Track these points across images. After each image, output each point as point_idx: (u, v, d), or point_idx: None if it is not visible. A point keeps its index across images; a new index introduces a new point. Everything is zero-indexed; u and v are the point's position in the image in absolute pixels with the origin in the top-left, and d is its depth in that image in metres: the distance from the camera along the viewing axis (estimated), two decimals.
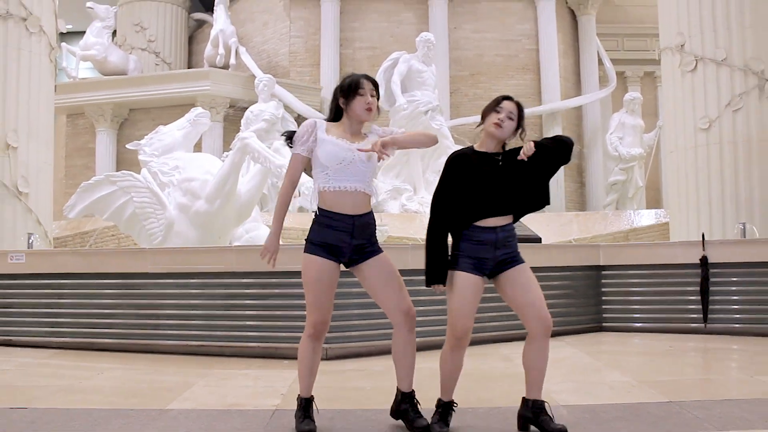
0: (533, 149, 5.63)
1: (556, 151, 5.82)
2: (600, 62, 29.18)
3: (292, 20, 26.97)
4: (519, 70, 26.87)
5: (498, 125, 5.78)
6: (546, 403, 5.85)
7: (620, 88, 29.84)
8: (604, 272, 12.56)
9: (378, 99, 5.98)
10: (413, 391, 5.88)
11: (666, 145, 15.27)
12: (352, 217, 5.73)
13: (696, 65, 14.42)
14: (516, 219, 5.98)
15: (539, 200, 5.96)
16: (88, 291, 10.88)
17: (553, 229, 19.14)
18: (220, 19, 26.94)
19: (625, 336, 11.76)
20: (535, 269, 10.97)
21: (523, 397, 5.94)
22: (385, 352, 9.53)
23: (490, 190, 5.72)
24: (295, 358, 9.05)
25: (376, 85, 6.01)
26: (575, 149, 21.46)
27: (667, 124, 15.39)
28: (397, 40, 26.03)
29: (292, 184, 5.98)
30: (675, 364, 9.18)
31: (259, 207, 14.86)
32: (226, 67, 26.57)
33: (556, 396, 6.85)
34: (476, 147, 5.98)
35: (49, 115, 15.32)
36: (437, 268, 5.82)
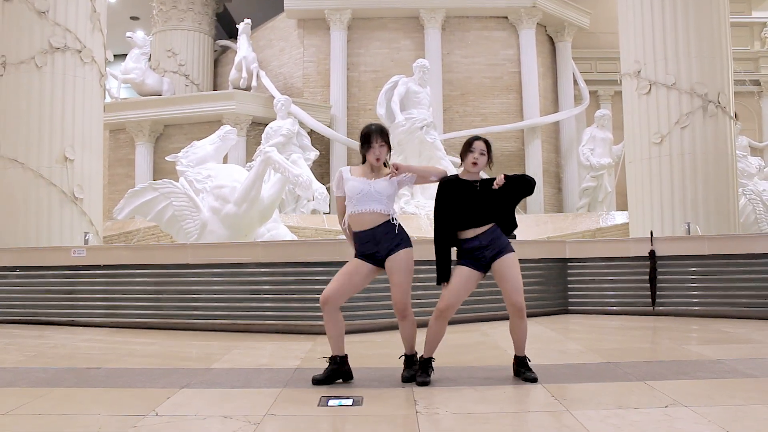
0: (503, 181, 6.63)
1: (521, 184, 6.74)
2: (575, 83, 29.33)
3: (306, 47, 27.24)
4: (503, 90, 27.05)
5: (474, 164, 6.76)
6: (526, 358, 6.90)
7: (593, 105, 29.96)
8: (569, 264, 13.21)
9: (387, 145, 6.69)
10: (415, 353, 6.91)
11: (627, 157, 15.75)
12: (372, 230, 6.60)
13: (650, 89, 14.94)
14: (507, 221, 6.90)
15: (508, 226, 6.90)
16: (138, 279, 11.53)
17: (532, 228, 19.62)
18: (243, 46, 27.19)
19: (586, 317, 12.39)
20: None
21: (515, 355, 6.97)
22: (384, 328, 10.39)
23: (470, 208, 6.69)
24: (311, 333, 9.91)
25: (384, 134, 6.71)
26: (553, 159, 21.84)
27: (627, 138, 15.77)
28: (397, 64, 26.31)
29: (341, 214, 6.87)
30: (621, 337, 9.88)
31: (278, 210, 15.20)
32: (248, 88, 26.81)
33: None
34: (460, 175, 6.87)
35: (99, 132, 15.71)
36: (443, 270, 6.77)
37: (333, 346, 6.68)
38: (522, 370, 6.84)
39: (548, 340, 9.62)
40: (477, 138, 6.89)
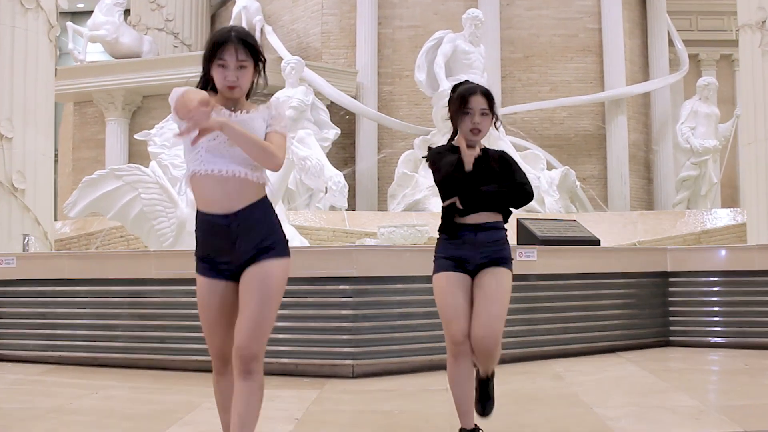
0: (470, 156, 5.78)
1: (515, 189, 5.95)
2: (670, 43, 28.92)
3: None
4: (579, 51, 26.67)
5: (476, 131, 5.84)
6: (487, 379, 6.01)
7: (693, 72, 29.79)
8: (671, 279, 12.43)
9: (254, 63, 4.96)
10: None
11: (743, 137, 15.13)
12: (228, 216, 4.86)
13: None
14: (505, 219, 6.01)
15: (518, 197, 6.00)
16: (86, 299, 10.90)
17: (616, 229, 19.19)
18: None
19: (695, 352, 11.62)
20: (592, 276, 10.96)
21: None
22: (420, 369, 9.50)
23: (468, 187, 5.77)
24: (318, 375, 9.09)
25: (248, 43, 4.93)
26: (642, 141, 21.33)
27: (745, 112, 15.28)
28: (442, 17, 25.93)
29: None
30: (751, 385, 9.02)
31: (283, 204, 14.80)
32: None
33: (613, 424, 6.64)
34: (454, 143, 6.04)
35: (49, 102, 15.39)
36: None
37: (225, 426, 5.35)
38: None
39: (646, 389, 8.69)
40: (472, 91, 5.94)
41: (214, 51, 4.92)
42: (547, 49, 26.58)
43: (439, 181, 5.93)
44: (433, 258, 5.97)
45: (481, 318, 5.64)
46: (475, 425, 5.82)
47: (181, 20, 30.21)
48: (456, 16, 24.46)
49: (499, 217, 5.91)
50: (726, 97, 26.93)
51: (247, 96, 5.07)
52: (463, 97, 5.80)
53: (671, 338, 12.26)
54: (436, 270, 5.89)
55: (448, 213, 5.86)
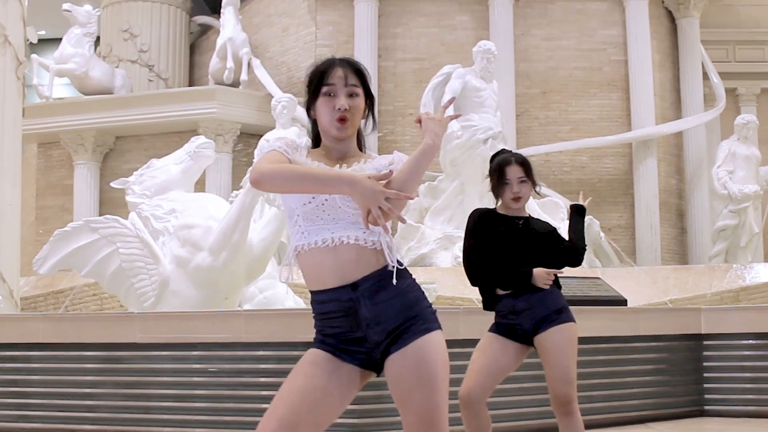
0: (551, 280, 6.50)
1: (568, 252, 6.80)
2: (705, 76, 29.02)
3: (319, 25, 27.26)
4: (603, 86, 26.85)
5: (517, 199, 6.53)
6: None
7: (731, 109, 29.79)
8: (706, 342, 12.69)
9: (366, 97, 4.70)
10: None
11: None
12: (347, 288, 4.46)
13: None
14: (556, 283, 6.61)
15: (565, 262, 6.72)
16: (62, 365, 11.04)
17: (645, 287, 19.28)
18: (228, 24, 27.11)
19: (733, 423, 11.85)
20: (619, 339, 11.27)
21: None
22: None
23: (508, 253, 6.43)
24: None
25: (357, 70, 4.67)
26: (675, 186, 21.56)
27: None
28: (449, 49, 26.22)
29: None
30: None
31: (275, 260, 15.06)
32: (236, 84, 26.80)
33: None
34: (497, 209, 6.75)
35: (16, 145, 15.55)
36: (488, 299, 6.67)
37: None
38: None
39: None
40: (508, 161, 6.60)
41: (318, 80, 4.61)
42: (567, 84, 26.78)
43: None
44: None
45: (552, 379, 6.51)
46: None
47: (157, 51, 30.53)
48: (465, 48, 24.69)
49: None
50: (767, 137, 27.08)
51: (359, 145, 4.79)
52: (500, 168, 6.40)
53: (706, 407, 12.49)
54: (491, 328, 6.63)
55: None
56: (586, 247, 6.90)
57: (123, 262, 13.32)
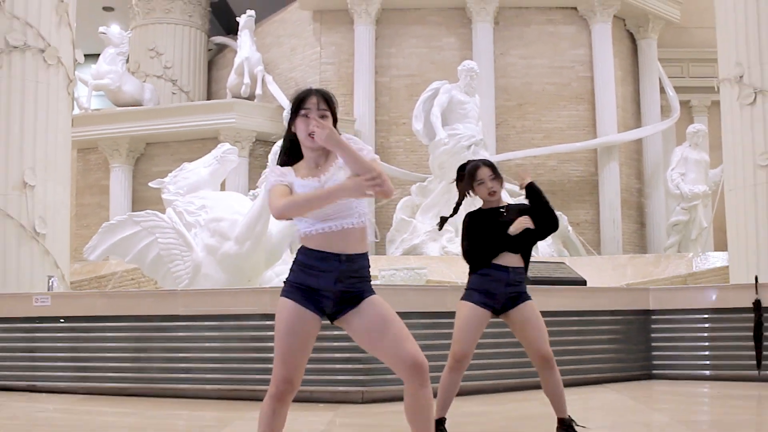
0: (523, 227, 7.09)
1: (545, 213, 7.29)
2: (662, 90, 29.45)
3: (323, 46, 27.60)
4: (572, 99, 27.20)
5: (492, 193, 7.21)
6: (570, 419, 7.18)
7: (685, 118, 29.97)
8: (653, 317, 13.18)
9: (334, 117, 5.29)
10: None
11: (726, 183, 15.71)
12: (341, 257, 5.19)
13: (755, 98, 14.89)
14: (526, 262, 7.32)
15: (546, 228, 7.32)
16: (116, 334, 11.64)
17: (607, 272, 19.82)
18: (245, 45, 27.52)
19: (675, 384, 12.39)
20: (579, 313, 11.98)
21: (557, 417, 7.26)
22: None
23: (501, 235, 7.10)
24: (331, 401, 10.10)
25: (328, 99, 5.28)
26: (635, 187, 22.08)
27: (727, 160, 15.76)
28: (438, 67, 26.53)
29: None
30: (718, 408, 10.08)
31: (289, 249, 15.20)
32: (251, 97, 27.14)
33: None
34: (482, 207, 7.35)
35: (66, 152, 15.95)
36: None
37: None
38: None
39: (627, 410, 9.79)
40: (477, 166, 7.30)
41: (297, 105, 5.25)
42: (541, 97, 27.05)
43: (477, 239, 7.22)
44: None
45: (536, 341, 7.14)
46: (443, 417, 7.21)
47: (179, 67, 30.88)
48: (451, 65, 25.15)
49: (521, 263, 7.28)
50: (716, 142, 26.93)
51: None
52: (472, 171, 7.20)
53: (654, 371, 13.02)
54: (466, 298, 7.22)
55: (488, 256, 7.20)
56: (555, 216, 7.37)
57: (161, 250, 13.93)
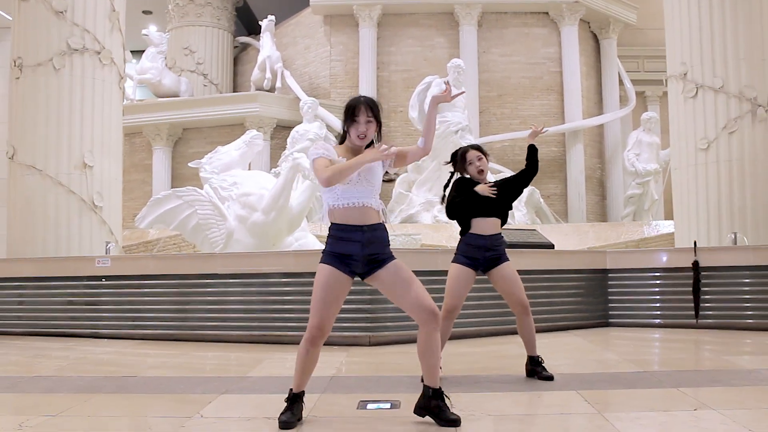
0: (488, 191, 7.59)
1: (528, 165, 7.91)
2: (621, 83, 29.64)
3: (333, 45, 27.76)
4: (544, 91, 27.43)
5: (482, 172, 7.69)
6: (540, 357, 7.77)
7: (640, 106, 30.35)
8: (610, 275, 13.61)
9: (378, 123, 5.99)
10: (440, 387, 5.88)
11: (673, 163, 16.00)
12: (362, 228, 5.82)
13: (697, 92, 15.28)
14: (503, 224, 7.82)
15: (507, 208, 7.87)
16: (165, 290, 12.07)
17: (572, 238, 20.13)
18: (266, 45, 27.66)
19: (627, 330, 12.81)
20: (548, 272, 12.42)
21: (527, 355, 7.80)
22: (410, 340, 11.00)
23: (484, 204, 7.60)
24: (343, 344, 10.51)
25: (375, 109, 5.97)
26: (597, 165, 22.31)
27: (673, 144, 16.08)
28: (430, 63, 26.74)
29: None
30: (660, 349, 10.49)
31: (306, 218, 15.70)
32: (272, 89, 27.31)
33: (557, 368, 8.22)
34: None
35: (119, 136, 16.24)
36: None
37: (299, 383, 6.07)
38: (538, 369, 7.76)
39: (585, 350, 10.23)
40: (465, 150, 7.85)
41: (350, 113, 5.94)
42: (517, 89, 27.26)
43: (459, 203, 7.67)
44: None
45: (515, 293, 7.74)
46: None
47: (210, 63, 31.01)
48: (442, 62, 25.45)
49: (499, 231, 7.77)
50: (667, 127, 26.77)
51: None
52: (462, 155, 7.71)
53: (610, 320, 13.50)
54: (455, 260, 7.73)
55: (468, 225, 7.71)
56: (538, 164, 7.98)
57: (200, 219, 14.30)
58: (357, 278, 5.97)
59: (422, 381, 5.96)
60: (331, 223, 5.93)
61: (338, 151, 5.96)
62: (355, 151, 5.97)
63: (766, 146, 14.97)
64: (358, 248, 5.83)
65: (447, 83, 6.31)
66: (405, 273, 5.90)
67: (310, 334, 5.87)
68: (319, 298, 5.84)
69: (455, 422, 5.71)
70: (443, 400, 5.82)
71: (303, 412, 6.02)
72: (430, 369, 5.87)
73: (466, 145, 8.09)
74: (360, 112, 5.90)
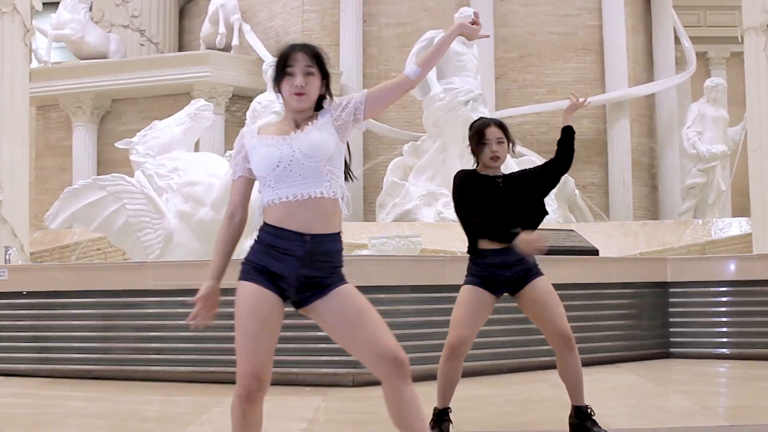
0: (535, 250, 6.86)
1: (561, 153, 7.34)
2: (677, 41, 29.28)
3: None
4: (578, 50, 27.11)
5: (495, 158, 7.06)
6: (589, 408, 7.14)
7: (701, 72, 30.01)
8: (671, 290, 13.16)
9: (323, 75, 5.26)
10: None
11: (750, 143, 15.71)
12: (304, 237, 5.03)
13: None
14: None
15: (537, 215, 7.25)
16: (81, 311, 11.59)
17: (617, 240, 19.75)
18: None
19: (696, 363, 12.40)
20: (591, 286, 11.91)
21: (572, 405, 7.22)
22: (417, 378, 10.51)
23: (492, 211, 7.00)
24: (319, 384, 10.05)
25: (318, 57, 5.24)
26: (647, 146, 21.93)
27: (751, 117, 15.84)
28: (431, 14, 26.37)
29: (231, 216, 5.41)
30: (746, 389, 10.05)
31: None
32: (227, 48, 27.07)
33: (608, 420, 7.72)
34: (478, 170, 7.23)
35: (24, 108, 15.98)
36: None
37: None
38: (587, 425, 7.12)
39: (644, 393, 9.77)
40: (487, 124, 7.19)
41: (281, 64, 5.18)
42: (544, 48, 26.96)
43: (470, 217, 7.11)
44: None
45: (554, 321, 7.06)
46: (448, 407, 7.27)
47: (148, 16, 30.71)
48: (446, 13, 24.91)
49: None
50: (737, 98, 26.60)
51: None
52: (479, 131, 7.05)
53: (671, 350, 13.05)
54: (465, 282, 7.15)
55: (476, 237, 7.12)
56: (574, 151, 7.41)
57: (129, 217, 13.93)
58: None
59: None
60: (263, 223, 5.14)
61: (268, 129, 5.30)
62: (292, 120, 5.21)
63: None
64: (292, 266, 5.03)
65: (476, 13, 5.65)
66: (356, 304, 5.07)
67: (242, 388, 5.00)
68: (242, 333, 5.08)
69: None
70: None
71: None
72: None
73: (487, 118, 7.45)
74: (295, 61, 5.13)
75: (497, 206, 7.00)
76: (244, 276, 5.09)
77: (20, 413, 8.98)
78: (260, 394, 5.01)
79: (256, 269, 5.07)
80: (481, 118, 7.37)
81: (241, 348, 5.05)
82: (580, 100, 7.54)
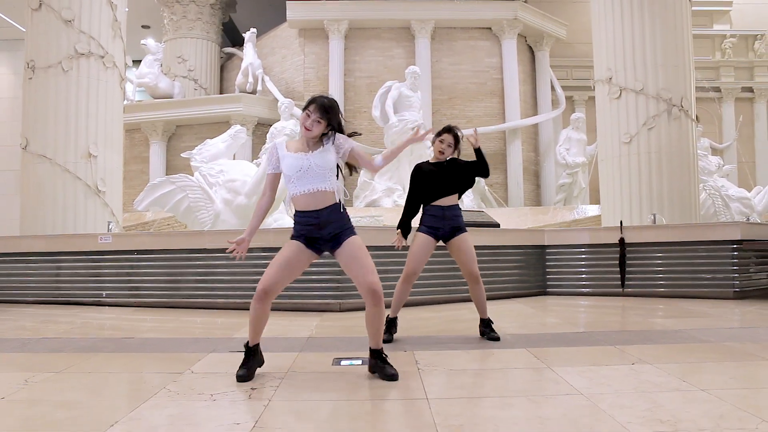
0: (476, 143, 7.49)
1: (480, 166, 7.46)
2: (553, 88, 29.56)
3: (306, 54, 27.34)
4: (487, 95, 27.21)
5: (441, 152, 7.40)
6: (489, 320, 7.52)
7: (569, 109, 30.19)
8: (547, 250, 13.51)
9: (327, 123, 5.66)
10: (381, 348, 5.79)
11: (600, 155, 16.00)
12: (317, 212, 5.64)
13: (620, 94, 15.30)
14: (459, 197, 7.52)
15: (466, 184, 7.52)
16: (160, 263, 11.81)
17: (513, 219, 19.88)
18: (249, 53, 27.29)
19: (562, 298, 12.66)
20: (494, 248, 12.14)
21: (480, 318, 7.55)
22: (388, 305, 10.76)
23: (440, 181, 7.32)
24: (316, 310, 10.22)
25: (330, 112, 5.66)
26: (533, 158, 21.99)
27: (600, 138, 16.06)
28: (390, 70, 26.52)
29: (264, 195, 5.92)
30: (594, 313, 10.31)
31: (283, 202, 15.38)
32: (254, 92, 26.96)
33: (505, 330, 8.05)
34: (431, 160, 7.55)
35: (119, 130, 15.94)
36: (406, 228, 7.44)
37: (253, 334, 5.85)
38: (487, 330, 7.50)
39: (528, 315, 9.99)
40: (448, 130, 7.48)
41: (307, 104, 5.69)
42: (465, 93, 26.98)
43: (421, 184, 7.41)
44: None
45: (467, 262, 7.42)
46: (396, 316, 7.65)
47: (200, 70, 30.50)
48: (400, 69, 25.31)
49: (456, 202, 7.48)
50: (591, 126, 26.28)
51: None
52: (441, 132, 7.41)
53: (548, 290, 13.37)
54: (419, 230, 7.46)
55: (429, 199, 7.42)
56: (489, 169, 7.49)
57: (191, 202, 14.10)
58: (326, 254, 5.90)
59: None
60: (295, 211, 5.78)
61: (292, 146, 5.79)
62: (305, 141, 5.74)
63: (680, 140, 15.10)
64: (315, 230, 5.69)
65: (417, 128, 6.30)
66: (354, 250, 5.72)
67: (257, 293, 5.63)
68: (275, 263, 5.69)
69: (394, 376, 5.58)
70: (383, 360, 5.73)
71: (268, 366, 5.92)
72: (372, 335, 5.80)
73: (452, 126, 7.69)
74: (312, 111, 5.66)
75: (443, 177, 7.33)
76: (293, 237, 5.77)
77: (121, 328, 9.11)
78: (267, 298, 5.62)
79: (297, 236, 5.75)
80: (449, 125, 7.58)
81: (268, 270, 5.65)
82: (471, 137, 7.68)
